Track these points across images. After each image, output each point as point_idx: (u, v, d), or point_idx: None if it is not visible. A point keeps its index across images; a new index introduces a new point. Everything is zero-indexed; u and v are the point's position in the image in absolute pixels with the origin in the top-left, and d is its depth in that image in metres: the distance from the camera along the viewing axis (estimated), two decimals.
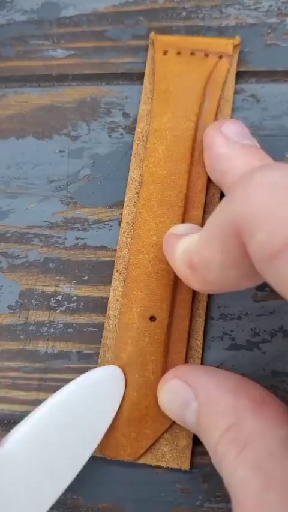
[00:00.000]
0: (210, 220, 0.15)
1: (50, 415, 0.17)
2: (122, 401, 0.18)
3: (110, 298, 0.20)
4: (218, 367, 0.19)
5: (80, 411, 0.17)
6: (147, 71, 0.22)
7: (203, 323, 0.19)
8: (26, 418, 0.16)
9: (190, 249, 0.16)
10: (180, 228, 0.19)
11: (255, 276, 0.14)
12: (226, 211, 0.14)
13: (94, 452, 0.18)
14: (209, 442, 0.16)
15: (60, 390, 0.17)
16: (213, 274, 0.15)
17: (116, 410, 0.18)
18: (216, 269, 0.15)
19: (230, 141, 0.19)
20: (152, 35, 0.22)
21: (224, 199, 0.14)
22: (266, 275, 0.13)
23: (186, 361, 0.19)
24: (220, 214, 0.14)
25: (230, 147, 0.19)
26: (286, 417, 0.15)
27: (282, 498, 0.13)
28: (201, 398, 0.17)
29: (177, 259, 0.17)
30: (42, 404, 0.17)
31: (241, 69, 0.22)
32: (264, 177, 0.13)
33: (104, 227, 0.21)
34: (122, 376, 0.19)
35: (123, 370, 0.19)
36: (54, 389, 0.20)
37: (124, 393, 0.19)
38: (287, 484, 0.13)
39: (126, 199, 0.21)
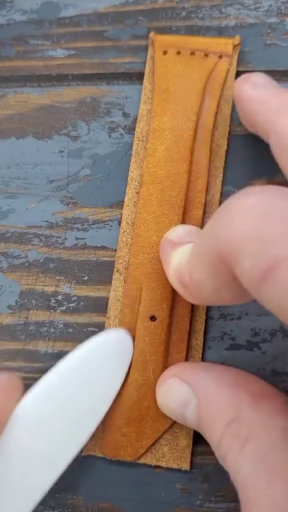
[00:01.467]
0: (198, 241, 0.15)
1: (60, 377, 0.17)
2: (122, 401, 0.18)
3: (110, 298, 0.20)
4: None
5: (90, 374, 0.17)
6: (147, 71, 0.22)
7: (203, 323, 0.19)
8: (37, 382, 0.17)
9: (181, 268, 0.16)
10: (177, 232, 0.18)
11: (249, 294, 0.14)
12: (210, 238, 0.14)
13: (98, 452, 0.18)
14: (211, 438, 0.16)
15: (69, 354, 0.17)
16: (205, 293, 0.15)
17: (125, 374, 0.18)
18: (208, 290, 0.15)
19: (259, 85, 0.18)
20: (151, 34, 0.22)
21: (208, 223, 0.14)
22: (258, 298, 0.13)
23: (186, 361, 0.19)
24: (206, 239, 0.14)
25: (260, 91, 0.18)
26: (286, 408, 0.15)
27: None
28: (200, 394, 0.17)
29: (170, 273, 0.17)
30: (52, 368, 0.17)
31: (241, 69, 0.22)
32: (242, 202, 0.13)
33: (104, 227, 0.21)
34: (131, 340, 0.19)
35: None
36: None
37: (124, 393, 0.19)
38: None
39: (126, 199, 0.21)
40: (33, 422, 0.16)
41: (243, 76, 0.19)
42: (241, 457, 0.15)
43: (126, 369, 0.19)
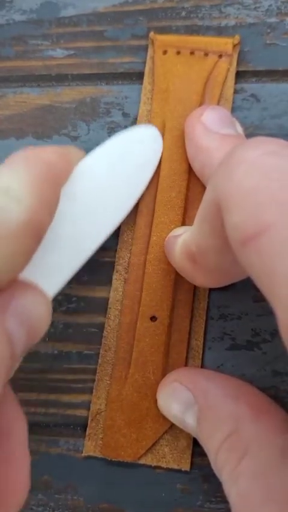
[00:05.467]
0: (202, 199, 0.15)
1: (98, 158, 0.19)
2: (122, 402, 0.18)
3: (110, 299, 0.20)
4: (218, 367, 0.19)
5: (123, 161, 0.19)
6: (146, 71, 0.22)
7: (204, 323, 0.19)
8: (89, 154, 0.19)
9: (187, 240, 0.16)
10: (181, 229, 0.19)
11: None
12: (210, 189, 0.13)
13: (98, 452, 0.18)
14: (209, 448, 0.16)
15: (106, 141, 0.19)
16: (211, 261, 0.15)
17: (155, 168, 0.20)
18: (212, 255, 0.14)
19: (210, 131, 0.19)
20: (151, 34, 0.22)
21: (210, 179, 0.14)
22: (239, 258, 0.12)
23: (186, 362, 0.19)
24: (206, 193, 0.14)
25: (209, 139, 0.18)
26: (285, 425, 0.15)
27: (282, 511, 0.13)
28: (201, 403, 0.17)
29: (177, 254, 0.17)
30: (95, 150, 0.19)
31: (241, 68, 0.22)
32: (248, 155, 0.12)
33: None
34: (160, 136, 0.20)
35: (124, 370, 0.19)
36: (54, 390, 0.20)
37: (124, 393, 0.19)
38: (286, 495, 0.13)
39: None
40: (89, 182, 0.18)
41: (196, 112, 0.19)
42: (237, 471, 0.14)
43: (156, 163, 0.20)
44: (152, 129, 0.20)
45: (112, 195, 0.19)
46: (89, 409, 0.19)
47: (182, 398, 0.17)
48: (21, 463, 0.13)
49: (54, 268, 0.17)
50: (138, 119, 0.22)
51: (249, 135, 0.21)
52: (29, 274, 0.14)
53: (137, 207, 0.20)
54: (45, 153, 0.15)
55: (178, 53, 0.22)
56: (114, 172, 0.19)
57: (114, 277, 0.20)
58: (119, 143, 0.19)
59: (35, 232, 0.13)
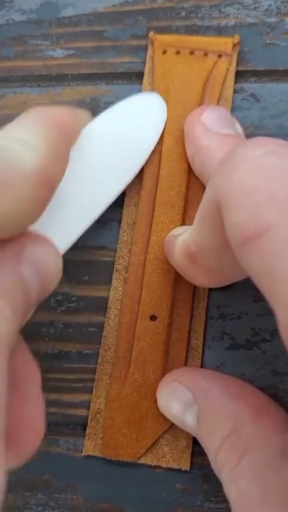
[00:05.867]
0: (202, 198, 0.15)
1: (105, 122, 0.20)
2: (122, 401, 0.18)
3: (110, 298, 0.20)
4: (218, 367, 0.19)
5: (129, 126, 0.20)
6: (146, 71, 0.22)
7: (203, 323, 0.19)
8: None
9: (187, 240, 0.16)
10: (180, 229, 0.19)
11: None
12: (210, 189, 0.13)
13: (98, 452, 0.18)
14: (209, 448, 0.16)
15: (107, 109, 0.20)
16: (211, 261, 0.15)
17: (160, 134, 0.20)
18: (212, 254, 0.14)
19: (209, 131, 0.19)
20: (151, 34, 0.22)
21: (210, 179, 0.14)
22: (239, 259, 0.12)
23: (186, 361, 0.19)
24: (206, 193, 0.14)
25: (208, 139, 0.18)
26: (285, 425, 0.15)
27: (282, 511, 0.13)
28: (201, 403, 0.17)
29: (177, 254, 0.17)
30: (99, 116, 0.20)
31: (241, 68, 0.22)
32: (249, 154, 0.12)
33: (104, 227, 0.21)
34: (164, 103, 0.21)
35: (124, 369, 0.19)
36: (54, 389, 0.20)
37: (124, 393, 0.19)
38: (285, 495, 0.13)
39: (126, 199, 0.21)
40: (96, 144, 0.19)
41: (195, 112, 0.20)
42: (237, 471, 0.15)
43: (161, 129, 0.20)
44: (156, 97, 0.21)
45: (118, 158, 0.19)
46: (88, 408, 0.19)
47: (181, 397, 0.17)
48: (36, 405, 0.14)
49: (63, 226, 0.18)
50: None
51: (249, 135, 0.21)
52: (39, 229, 0.14)
53: (138, 199, 0.20)
54: (57, 112, 0.16)
55: (178, 52, 0.22)
56: (120, 135, 0.20)
57: (114, 276, 0.20)
58: (124, 108, 0.20)
59: (48, 183, 0.13)
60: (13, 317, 0.12)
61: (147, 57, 0.22)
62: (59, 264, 0.14)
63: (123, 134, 0.20)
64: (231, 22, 0.22)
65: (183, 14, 0.23)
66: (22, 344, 0.14)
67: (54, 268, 0.14)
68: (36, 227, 0.14)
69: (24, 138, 0.13)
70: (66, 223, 0.18)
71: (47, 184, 0.13)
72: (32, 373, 0.14)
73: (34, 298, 0.14)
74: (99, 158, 0.19)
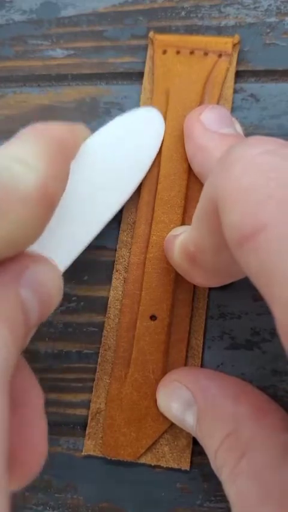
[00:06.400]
0: (198, 203, 0.15)
1: (103, 137, 0.20)
2: (122, 401, 0.18)
3: (110, 298, 0.20)
4: (218, 366, 0.19)
5: (127, 141, 0.20)
6: (146, 71, 0.22)
7: (203, 322, 0.19)
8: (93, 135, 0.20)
9: (185, 239, 0.16)
10: (180, 228, 0.19)
11: None
12: (208, 188, 0.13)
13: (98, 451, 0.18)
14: (209, 448, 0.16)
15: (106, 125, 0.20)
16: (209, 260, 0.15)
17: (158, 149, 0.20)
18: (210, 253, 0.14)
19: (209, 131, 0.19)
20: (151, 34, 0.22)
21: (207, 177, 0.14)
22: (237, 258, 0.12)
23: (186, 361, 0.19)
24: (203, 192, 0.14)
25: (208, 138, 0.18)
26: (284, 424, 0.15)
27: (281, 510, 0.13)
28: (201, 402, 0.17)
29: (176, 253, 0.17)
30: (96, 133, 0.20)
31: (240, 68, 0.22)
32: (247, 153, 0.12)
33: (104, 227, 0.21)
34: (162, 118, 0.21)
35: (124, 369, 0.19)
36: (54, 389, 0.20)
37: (124, 392, 0.19)
38: (284, 495, 0.13)
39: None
40: (94, 160, 0.19)
41: (195, 111, 0.20)
42: (236, 471, 0.15)
43: (159, 144, 0.20)
44: (154, 111, 0.21)
45: (117, 173, 0.19)
46: (88, 408, 0.19)
47: (181, 397, 0.17)
48: (39, 428, 0.13)
49: (63, 244, 0.18)
50: None
51: (248, 134, 0.21)
52: (39, 248, 0.14)
53: (138, 199, 0.20)
54: (55, 128, 0.16)
55: (178, 52, 0.22)
56: (118, 151, 0.19)
57: (114, 276, 0.20)
58: (122, 123, 0.20)
59: (48, 202, 0.13)
60: (13, 341, 0.12)
61: (147, 57, 0.22)
62: (59, 284, 0.14)
63: (122, 149, 0.20)
64: (231, 22, 0.23)
65: (183, 14, 0.23)
66: (24, 367, 0.14)
67: (55, 289, 0.14)
68: (36, 245, 0.14)
69: (23, 156, 0.13)
70: (66, 241, 0.18)
71: (47, 203, 0.13)
72: (34, 396, 0.14)
73: (34, 321, 0.13)
74: (98, 173, 0.19)
